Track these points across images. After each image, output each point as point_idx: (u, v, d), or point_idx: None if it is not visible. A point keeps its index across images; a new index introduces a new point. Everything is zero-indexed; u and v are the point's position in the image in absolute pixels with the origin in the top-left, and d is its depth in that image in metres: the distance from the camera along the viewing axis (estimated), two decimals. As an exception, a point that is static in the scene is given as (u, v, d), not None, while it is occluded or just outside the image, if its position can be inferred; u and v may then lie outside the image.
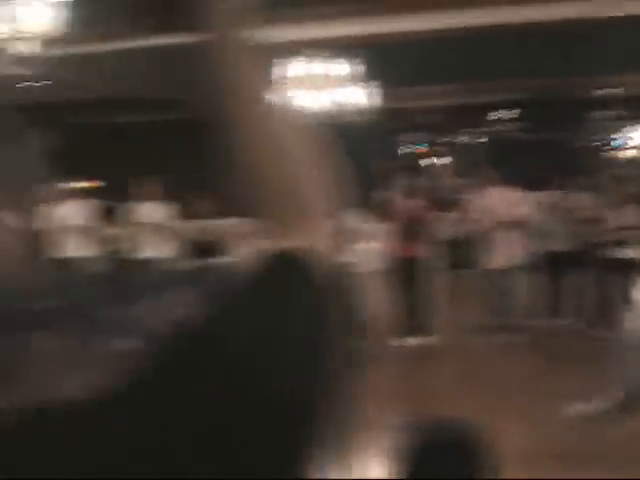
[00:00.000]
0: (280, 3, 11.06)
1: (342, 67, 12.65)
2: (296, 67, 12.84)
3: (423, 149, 25.36)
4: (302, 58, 12.81)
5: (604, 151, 24.01)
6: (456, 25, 11.73)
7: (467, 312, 12.48)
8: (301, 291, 1.12)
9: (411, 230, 11.25)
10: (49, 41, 6.03)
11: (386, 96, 13.72)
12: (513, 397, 9.08)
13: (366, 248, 11.11)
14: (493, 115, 23.07)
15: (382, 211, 11.34)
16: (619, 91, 20.13)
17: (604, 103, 21.63)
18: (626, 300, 11.60)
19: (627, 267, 11.28)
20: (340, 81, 12.75)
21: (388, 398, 8.98)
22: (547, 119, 21.71)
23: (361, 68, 12.69)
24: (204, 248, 12.20)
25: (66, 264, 11.90)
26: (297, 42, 13.15)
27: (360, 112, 13.22)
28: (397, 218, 11.35)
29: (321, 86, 12.85)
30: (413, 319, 11.43)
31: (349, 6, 11.27)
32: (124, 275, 12.24)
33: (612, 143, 24.14)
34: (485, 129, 24.09)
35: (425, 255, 11.53)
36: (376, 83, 13.22)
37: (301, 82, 12.79)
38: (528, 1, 11.12)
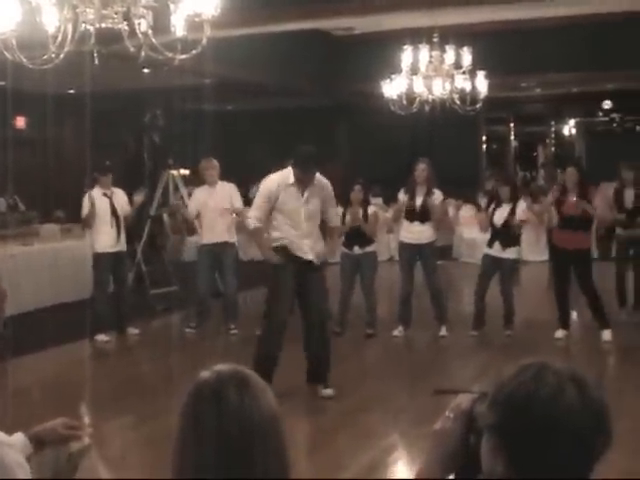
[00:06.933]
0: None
1: (456, 54, 12.64)
2: (413, 54, 12.63)
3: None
4: (418, 45, 12.64)
5: None
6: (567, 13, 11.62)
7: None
8: None
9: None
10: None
11: (492, 85, 13.64)
12: None
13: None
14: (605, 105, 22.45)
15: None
16: None
17: None
18: None
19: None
20: (454, 69, 12.80)
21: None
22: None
23: (473, 56, 12.66)
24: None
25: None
26: (413, 29, 13.10)
27: (472, 100, 13.21)
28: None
29: (435, 74, 12.81)
30: None
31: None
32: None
33: None
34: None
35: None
36: (485, 72, 13.20)
37: (418, 69, 12.70)
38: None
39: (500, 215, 11.20)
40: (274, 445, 2.03)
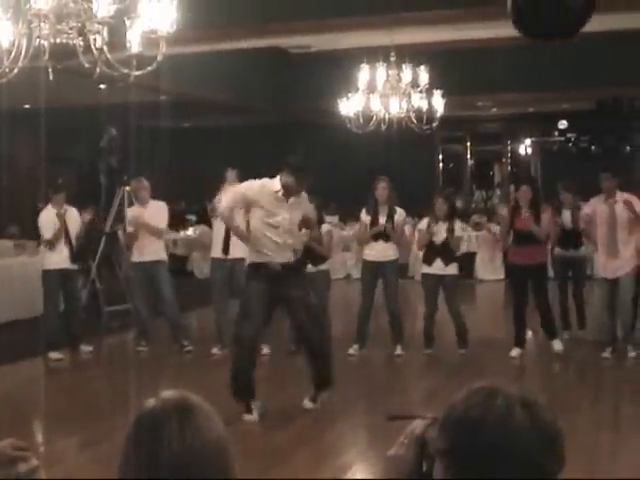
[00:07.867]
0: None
1: (412, 73, 12.67)
2: (370, 73, 12.65)
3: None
4: (375, 64, 12.62)
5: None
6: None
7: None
8: None
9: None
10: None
11: (449, 104, 13.81)
12: None
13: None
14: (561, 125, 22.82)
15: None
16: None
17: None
18: None
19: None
20: (410, 87, 12.80)
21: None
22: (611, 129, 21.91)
23: (430, 75, 12.74)
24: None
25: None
26: (370, 48, 13.11)
27: (428, 119, 13.26)
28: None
29: (392, 92, 12.82)
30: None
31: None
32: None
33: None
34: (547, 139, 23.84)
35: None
36: (442, 91, 13.32)
37: (375, 88, 12.74)
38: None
39: (438, 232, 11.30)
40: (218, 474, 2.00)
